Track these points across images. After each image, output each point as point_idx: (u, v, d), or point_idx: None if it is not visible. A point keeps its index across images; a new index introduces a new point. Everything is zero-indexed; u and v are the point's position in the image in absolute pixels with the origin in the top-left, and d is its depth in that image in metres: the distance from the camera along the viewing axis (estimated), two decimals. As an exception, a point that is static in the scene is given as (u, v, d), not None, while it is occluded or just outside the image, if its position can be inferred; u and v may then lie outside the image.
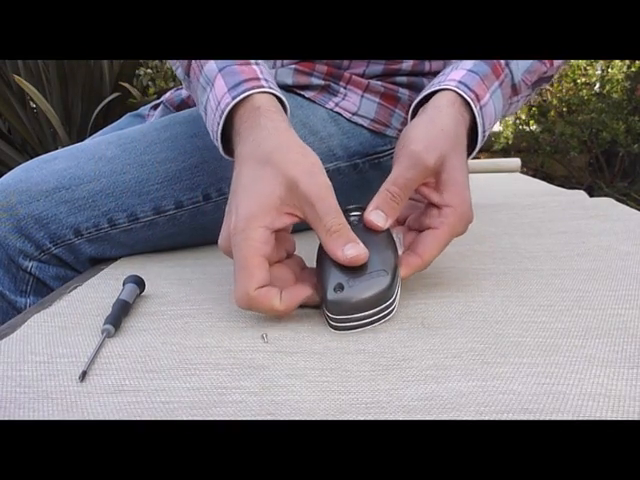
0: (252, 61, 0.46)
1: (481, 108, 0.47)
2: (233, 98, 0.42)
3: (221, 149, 0.45)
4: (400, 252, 0.41)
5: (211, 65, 0.46)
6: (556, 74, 0.59)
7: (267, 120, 0.41)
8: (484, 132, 0.49)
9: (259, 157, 0.39)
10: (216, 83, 0.45)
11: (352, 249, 0.37)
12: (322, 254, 0.40)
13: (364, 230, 0.40)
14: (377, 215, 0.41)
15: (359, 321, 0.37)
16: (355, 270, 0.37)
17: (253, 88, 0.43)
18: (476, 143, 0.48)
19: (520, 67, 0.51)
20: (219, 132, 0.44)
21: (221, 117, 0.43)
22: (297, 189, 0.37)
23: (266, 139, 0.40)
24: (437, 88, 0.48)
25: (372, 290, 0.37)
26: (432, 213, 0.42)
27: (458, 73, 0.48)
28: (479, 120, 0.47)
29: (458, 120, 0.45)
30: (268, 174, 0.38)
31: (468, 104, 0.46)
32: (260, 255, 0.37)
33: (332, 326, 0.38)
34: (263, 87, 0.43)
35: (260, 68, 0.46)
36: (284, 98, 0.44)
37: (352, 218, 0.42)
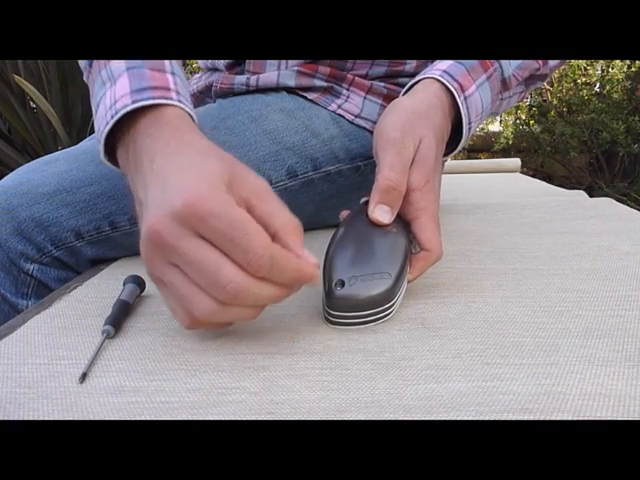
0: (168, 68, 0.42)
1: (465, 99, 0.48)
2: (133, 102, 0.38)
3: (102, 152, 0.41)
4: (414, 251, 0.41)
5: (119, 62, 0.42)
6: (551, 74, 0.60)
7: (184, 134, 0.36)
8: (469, 124, 0.49)
9: (197, 148, 0.35)
10: (119, 81, 0.40)
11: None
12: (330, 249, 0.40)
13: (374, 229, 0.40)
14: (381, 211, 0.41)
15: (355, 319, 0.37)
16: (359, 269, 0.38)
17: (159, 98, 0.38)
18: (462, 134, 0.49)
19: (511, 62, 0.52)
20: (105, 132, 0.39)
21: (112, 118, 0.38)
22: (247, 178, 0.34)
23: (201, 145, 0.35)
24: (421, 77, 0.49)
25: (372, 291, 0.37)
26: (405, 202, 0.42)
27: (444, 64, 0.49)
28: (463, 111, 0.47)
29: (432, 103, 0.46)
30: (211, 158, 0.34)
31: (451, 92, 0.47)
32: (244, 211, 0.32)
33: (328, 320, 0.38)
34: (171, 99, 0.39)
35: (175, 79, 0.41)
36: (194, 115, 0.40)
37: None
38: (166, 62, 0.43)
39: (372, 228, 0.40)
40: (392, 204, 0.41)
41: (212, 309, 0.32)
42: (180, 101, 0.40)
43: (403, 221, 0.42)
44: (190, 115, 0.40)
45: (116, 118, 0.38)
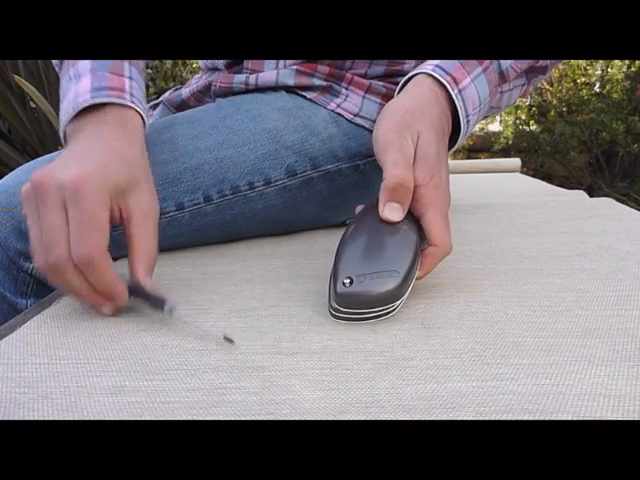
0: (126, 73, 0.50)
1: (460, 92, 0.48)
2: (92, 97, 0.46)
3: (62, 138, 0.48)
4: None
5: (85, 62, 0.49)
6: (552, 67, 0.59)
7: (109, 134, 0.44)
8: (467, 117, 0.49)
9: (108, 147, 0.42)
10: (83, 79, 0.48)
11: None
12: (340, 246, 0.40)
13: (384, 226, 0.40)
14: (390, 209, 0.40)
15: (361, 315, 0.37)
16: (368, 266, 0.38)
17: (114, 97, 0.46)
18: (460, 128, 0.49)
19: None
20: (66, 122, 0.47)
21: (74, 110, 0.46)
22: (140, 194, 0.41)
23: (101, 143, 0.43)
24: (413, 73, 0.48)
25: (380, 288, 0.37)
26: (412, 199, 0.42)
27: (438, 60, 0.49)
28: (458, 103, 0.47)
29: (425, 97, 0.46)
30: (115, 159, 0.41)
31: (445, 87, 0.47)
32: (107, 214, 0.39)
33: (333, 315, 0.38)
34: (124, 99, 0.47)
35: (131, 83, 0.49)
36: (144, 115, 0.48)
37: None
38: (126, 68, 0.51)
39: (382, 225, 0.40)
40: (401, 201, 0.40)
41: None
42: (133, 102, 0.47)
43: (414, 218, 0.42)
44: (140, 114, 0.48)
45: (77, 110, 0.46)
